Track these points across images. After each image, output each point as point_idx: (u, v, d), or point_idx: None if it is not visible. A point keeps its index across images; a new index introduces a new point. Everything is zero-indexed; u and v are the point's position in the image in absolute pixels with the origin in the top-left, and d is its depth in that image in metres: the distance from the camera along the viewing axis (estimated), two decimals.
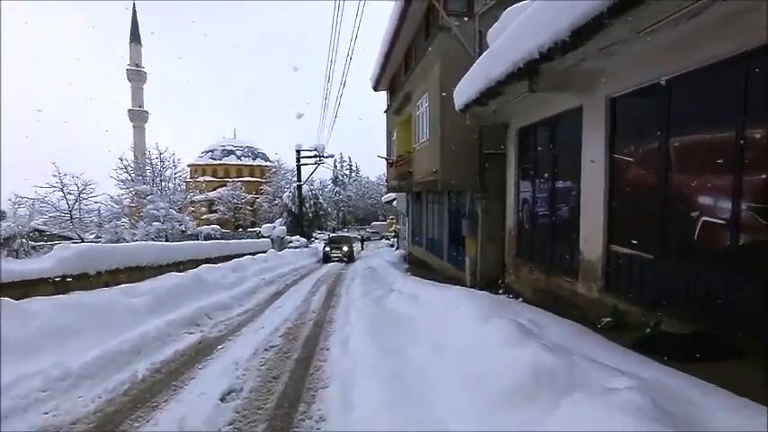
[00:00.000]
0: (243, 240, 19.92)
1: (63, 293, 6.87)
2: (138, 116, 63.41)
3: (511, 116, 8.12)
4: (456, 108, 8.28)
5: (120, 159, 25.05)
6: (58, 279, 7.19)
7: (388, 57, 15.95)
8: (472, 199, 10.62)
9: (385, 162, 18.44)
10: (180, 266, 11.04)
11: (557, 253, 6.76)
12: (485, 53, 7.11)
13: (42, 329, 4.67)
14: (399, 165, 14.69)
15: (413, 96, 12.90)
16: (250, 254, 16.40)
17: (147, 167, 26.39)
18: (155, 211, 23.38)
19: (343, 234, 30.38)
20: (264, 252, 16.87)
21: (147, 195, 23.86)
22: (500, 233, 10.11)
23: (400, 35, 13.68)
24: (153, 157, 26.28)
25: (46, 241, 24.29)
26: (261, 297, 9.78)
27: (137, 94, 64.64)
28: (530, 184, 7.74)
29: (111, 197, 24.33)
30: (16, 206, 28.01)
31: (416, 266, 16.50)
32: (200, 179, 63.60)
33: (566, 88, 5.43)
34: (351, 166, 74.57)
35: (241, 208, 56.12)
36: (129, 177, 25.58)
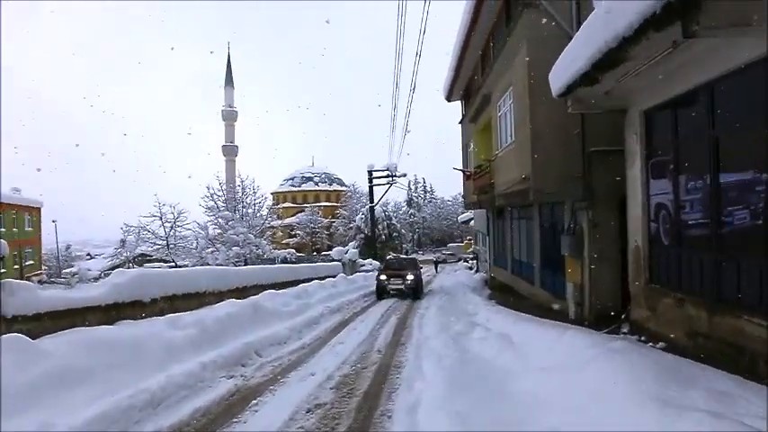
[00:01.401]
0: (312, 264, 19.30)
1: (113, 323, 6.34)
2: (230, 151, 69.46)
3: (631, 95, 6.10)
4: (553, 94, 6.48)
5: (207, 188, 26.68)
6: (109, 306, 6.71)
7: (461, 60, 14.54)
8: (573, 210, 8.50)
9: (462, 177, 16.74)
10: (243, 292, 10.40)
11: (728, 280, 4.53)
12: (591, 16, 5.32)
13: (46, 375, 3.85)
14: (478, 177, 12.93)
15: (492, 97, 11.22)
16: (319, 278, 15.63)
17: (230, 195, 27.76)
18: (234, 237, 24.16)
19: (407, 257, 23.71)
20: (334, 276, 15.99)
21: (229, 221, 24.85)
22: (615, 252, 7.83)
23: (475, 30, 12.20)
24: (236, 184, 27.64)
25: (152, 266, 26.44)
26: (322, 328, 8.62)
27: (229, 132, 71.11)
28: (668, 183, 5.57)
29: (198, 224, 25.82)
30: (126, 234, 31.31)
31: (500, 292, 14.31)
32: (280, 206, 67.46)
33: (750, 22, 3.47)
34: (425, 186, 73.41)
35: (318, 232, 57.72)
36: (215, 205, 27.05)
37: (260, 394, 4.45)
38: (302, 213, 60.10)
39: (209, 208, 26.27)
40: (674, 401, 2.26)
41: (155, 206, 28.56)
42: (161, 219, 29.26)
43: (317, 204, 62.92)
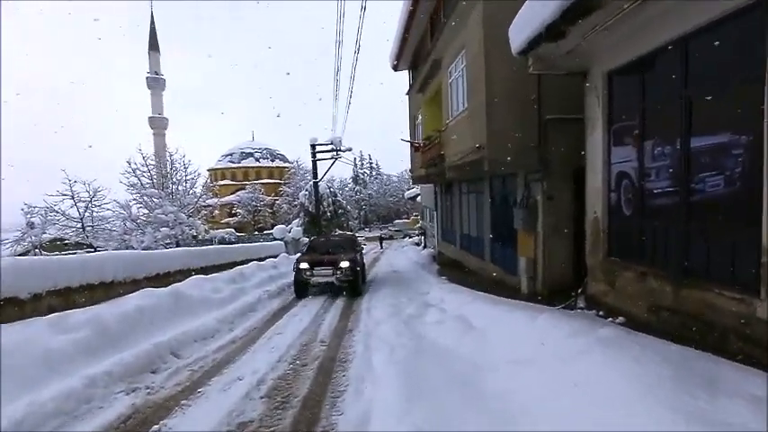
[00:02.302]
0: (251, 244, 17.83)
1: None
2: (158, 123, 63.14)
3: (595, 55, 5.62)
4: (513, 51, 5.86)
5: (128, 163, 23.61)
6: None
7: (409, 23, 13.57)
8: (527, 182, 8.14)
9: (409, 150, 16.06)
10: (165, 279, 9.03)
11: (698, 251, 4.25)
12: None
13: None
14: (427, 149, 12.29)
15: (443, 62, 10.48)
16: (259, 259, 14.40)
17: (157, 170, 24.94)
18: (163, 216, 21.82)
19: (341, 235, 18.32)
20: (275, 257, 14.82)
21: (155, 199, 22.34)
22: (570, 225, 7.60)
23: None
24: (157, 157, 24.82)
25: (69, 251, 23.23)
26: (258, 317, 7.64)
27: (156, 102, 64.47)
28: (632, 150, 5.21)
29: (118, 202, 22.96)
30: (29, 216, 27.23)
31: (450, 268, 14.08)
32: (217, 183, 63.21)
33: None
34: (371, 163, 72.47)
35: (260, 210, 55.00)
36: (139, 182, 24.15)
37: (166, 414, 3.47)
38: (243, 191, 56.75)
39: (131, 185, 23.34)
40: (709, 417, 1.73)
41: (63, 183, 24.99)
42: (73, 198, 25.73)
43: (259, 182, 59.68)
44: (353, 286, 9.75)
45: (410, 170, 17.94)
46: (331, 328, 6.59)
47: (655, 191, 4.92)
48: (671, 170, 4.62)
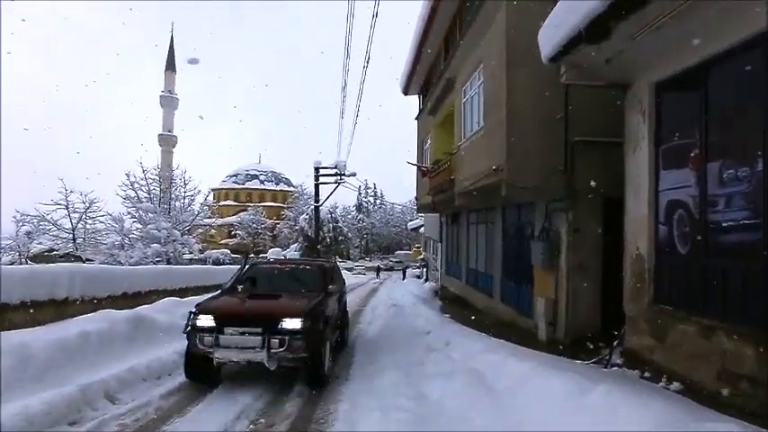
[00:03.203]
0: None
1: None
2: (167, 141, 63.53)
3: (640, 64, 4.81)
4: (544, 57, 5.07)
5: (127, 175, 22.99)
6: None
7: (421, 48, 13.13)
8: (548, 212, 7.20)
9: (416, 177, 15.27)
10: (135, 300, 8.00)
11: None
12: None
13: None
14: (435, 174, 11.46)
15: (457, 81, 9.82)
16: None
17: (158, 186, 24.27)
18: (155, 232, 20.93)
19: (305, 261, 10.02)
20: None
21: (150, 214, 21.53)
22: (598, 262, 6.59)
23: (438, 12, 10.85)
24: (161, 174, 24.26)
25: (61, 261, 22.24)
26: None
27: (167, 120, 65.18)
28: (690, 174, 4.29)
29: (111, 215, 22.17)
30: (20, 224, 26.47)
31: (453, 305, 12.92)
32: (220, 203, 62.73)
33: None
34: (375, 192, 72.04)
35: (261, 233, 54.12)
36: (136, 195, 23.44)
37: None
38: (244, 213, 56.09)
39: (127, 198, 22.60)
40: None
41: (59, 193, 24.41)
42: (67, 208, 25.08)
43: (261, 204, 59.16)
44: (312, 370, 4.80)
45: (416, 198, 17.09)
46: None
47: (724, 223, 3.94)
48: (749, 197, 3.66)
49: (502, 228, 9.69)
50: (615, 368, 5.11)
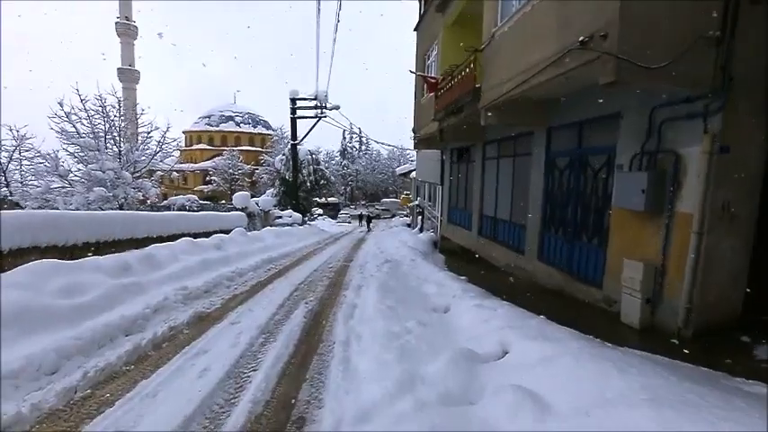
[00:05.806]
0: (197, 213, 13.71)
1: None
2: (128, 76, 56.95)
3: None
4: None
5: (60, 104, 18.66)
6: None
7: None
8: (655, 123, 4.41)
9: (413, 109, 12.10)
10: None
11: None
12: None
13: None
14: (449, 87, 8.38)
15: None
16: (204, 234, 10.49)
17: (98, 118, 20.07)
18: (99, 173, 17.48)
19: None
20: (227, 232, 10.88)
21: (91, 151, 17.91)
22: (752, 207, 3.96)
23: None
24: (106, 104, 20.08)
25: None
26: (145, 342, 3.82)
27: (127, 52, 58.10)
28: None
29: (40, 153, 18.41)
30: None
31: (463, 261, 10.47)
32: (193, 147, 57.98)
33: None
34: (361, 138, 67.65)
35: (238, 179, 50.28)
36: (75, 129, 19.37)
37: None
38: (220, 158, 51.73)
39: (61, 131, 18.55)
40: None
41: None
42: None
43: (238, 148, 54.66)
44: None
45: (413, 131, 14.00)
46: (270, 386, 2.84)
47: None
48: None
49: (545, 159, 6.92)
50: None
